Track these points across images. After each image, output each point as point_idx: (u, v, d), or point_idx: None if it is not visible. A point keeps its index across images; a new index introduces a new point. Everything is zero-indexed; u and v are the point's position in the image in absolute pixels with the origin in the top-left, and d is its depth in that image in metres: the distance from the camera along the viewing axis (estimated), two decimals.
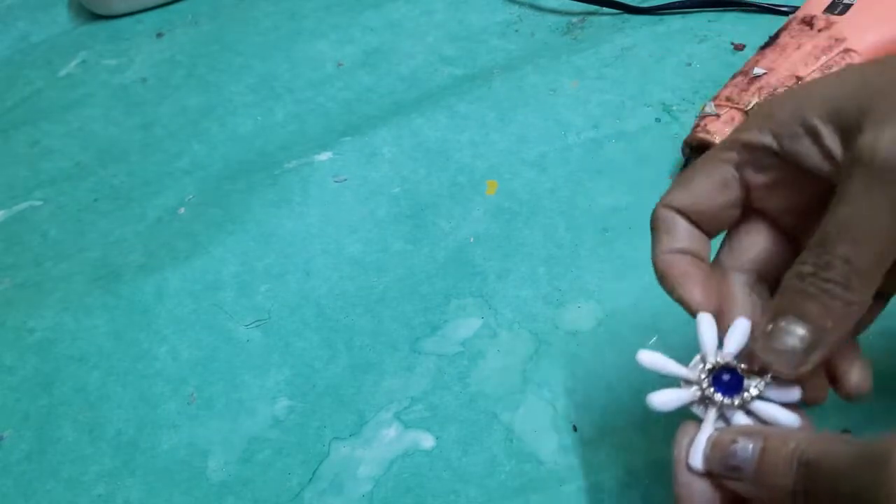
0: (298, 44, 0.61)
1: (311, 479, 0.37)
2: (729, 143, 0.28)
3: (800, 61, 0.45)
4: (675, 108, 0.50)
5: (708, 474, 0.25)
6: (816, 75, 0.44)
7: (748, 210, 0.29)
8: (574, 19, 0.58)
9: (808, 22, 0.47)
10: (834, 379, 0.27)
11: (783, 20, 0.49)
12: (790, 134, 0.26)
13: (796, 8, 0.49)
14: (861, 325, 0.28)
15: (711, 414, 0.26)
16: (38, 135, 0.58)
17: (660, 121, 0.49)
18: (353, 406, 0.39)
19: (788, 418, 0.25)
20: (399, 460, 0.37)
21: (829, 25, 0.46)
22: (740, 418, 0.26)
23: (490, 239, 0.45)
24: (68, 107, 0.60)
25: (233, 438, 0.39)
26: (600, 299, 0.41)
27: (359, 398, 0.40)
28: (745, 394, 0.26)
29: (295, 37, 0.61)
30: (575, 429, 0.37)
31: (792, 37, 0.46)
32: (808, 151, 0.26)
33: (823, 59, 0.45)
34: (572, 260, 0.43)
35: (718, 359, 0.26)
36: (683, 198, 0.28)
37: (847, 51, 0.45)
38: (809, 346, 0.24)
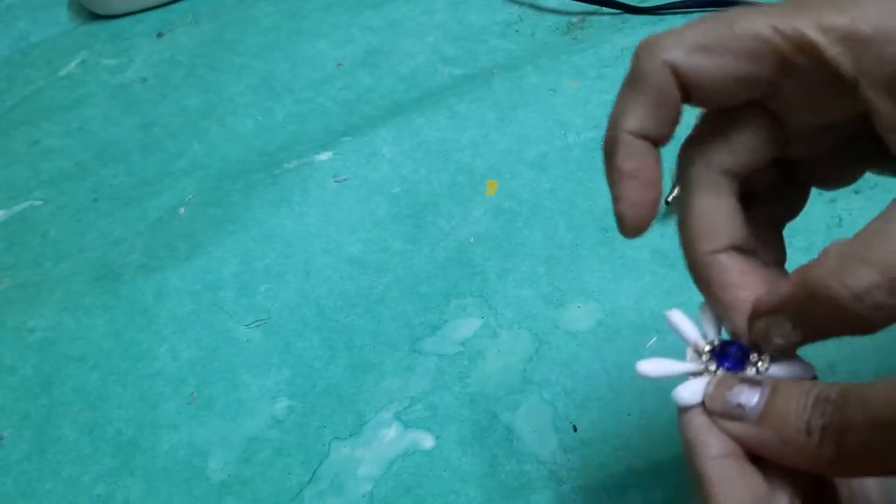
0: (298, 44, 0.61)
1: (310, 479, 0.37)
2: (784, 21, 0.22)
3: None
4: None
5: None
6: None
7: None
8: (574, 19, 0.58)
9: None
10: None
11: None
12: (886, 79, 0.19)
13: None
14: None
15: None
16: (38, 135, 0.58)
17: None
18: (353, 406, 0.39)
19: None
20: (399, 460, 0.37)
21: None
22: None
23: (490, 239, 0.45)
24: (68, 107, 0.60)
25: (232, 438, 0.39)
26: (600, 299, 0.41)
27: (359, 398, 0.40)
28: (757, 365, 0.24)
29: (295, 37, 0.61)
30: (575, 429, 0.37)
31: None
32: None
33: None
34: (572, 260, 0.43)
35: (714, 340, 0.25)
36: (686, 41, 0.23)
37: None
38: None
